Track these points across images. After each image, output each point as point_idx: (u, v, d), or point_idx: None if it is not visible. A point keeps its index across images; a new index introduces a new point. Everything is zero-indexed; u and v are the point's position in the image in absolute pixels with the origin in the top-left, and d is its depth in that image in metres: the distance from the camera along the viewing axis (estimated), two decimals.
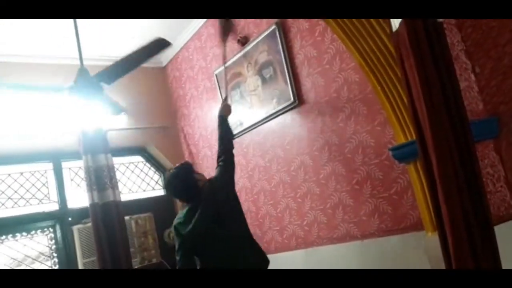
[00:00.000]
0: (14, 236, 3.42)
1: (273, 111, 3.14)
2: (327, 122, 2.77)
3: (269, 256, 2.42)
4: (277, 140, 3.20)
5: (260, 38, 3.18)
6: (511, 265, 1.58)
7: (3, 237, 3.38)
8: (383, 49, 2.04)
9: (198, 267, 2.34)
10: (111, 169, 3.38)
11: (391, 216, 2.44)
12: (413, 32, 1.64)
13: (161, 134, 4.34)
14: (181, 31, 4.06)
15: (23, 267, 3.38)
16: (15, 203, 3.52)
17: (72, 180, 3.83)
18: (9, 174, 3.57)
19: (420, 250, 2.08)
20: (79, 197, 3.72)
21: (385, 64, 2.05)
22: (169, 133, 4.40)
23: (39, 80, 3.72)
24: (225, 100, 2.79)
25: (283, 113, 3.09)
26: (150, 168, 4.39)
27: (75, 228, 3.51)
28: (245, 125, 3.45)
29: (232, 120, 3.52)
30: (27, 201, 3.57)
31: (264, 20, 3.17)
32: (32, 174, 3.67)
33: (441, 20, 1.68)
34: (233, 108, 3.48)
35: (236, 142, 3.56)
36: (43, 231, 3.57)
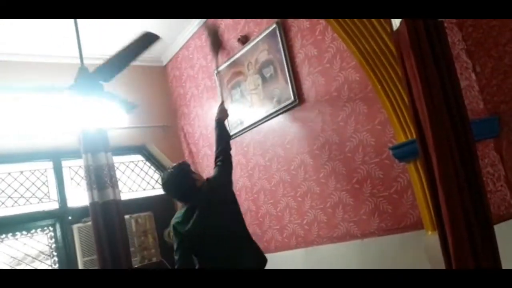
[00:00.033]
0: (14, 235, 3.42)
1: (274, 110, 3.14)
2: (328, 121, 2.77)
3: (269, 255, 2.42)
4: (277, 139, 3.20)
5: (260, 37, 3.18)
6: (510, 264, 1.58)
7: (3, 236, 3.38)
8: (384, 48, 2.03)
9: (196, 267, 2.34)
10: (111, 168, 3.39)
11: (391, 215, 2.44)
12: (414, 31, 1.64)
13: (161, 133, 4.34)
14: (181, 30, 4.06)
15: (23, 266, 3.38)
16: (15, 202, 3.52)
17: (72, 179, 3.83)
18: (9, 173, 3.57)
19: (420, 249, 2.08)
20: (79, 196, 3.72)
21: (385, 63, 2.05)
22: (169, 132, 4.40)
23: (40, 79, 3.72)
24: (221, 104, 2.87)
25: (283, 112, 3.09)
26: (150, 167, 4.39)
27: (75, 227, 3.51)
28: (245, 124, 3.45)
29: (232, 119, 3.55)
30: (27, 200, 3.57)
31: (265, 19, 3.17)
32: (32, 173, 3.67)
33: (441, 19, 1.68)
34: (233, 106, 3.53)
35: (236, 141, 3.58)
36: (43, 230, 3.57)
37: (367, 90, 2.48)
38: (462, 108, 1.61)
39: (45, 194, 3.67)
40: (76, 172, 3.85)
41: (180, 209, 2.45)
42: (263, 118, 3.26)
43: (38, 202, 3.61)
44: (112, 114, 3.98)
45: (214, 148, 2.66)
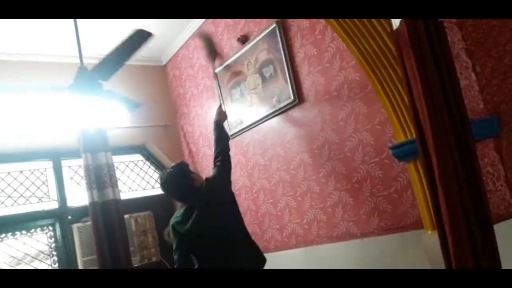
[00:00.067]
0: (13, 235, 3.42)
1: (273, 109, 3.14)
2: (327, 120, 2.77)
3: (269, 255, 2.43)
4: (277, 138, 3.20)
5: (260, 36, 3.18)
6: (510, 264, 1.58)
7: (3, 235, 3.38)
8: (384, 48, 2.03)
9: (195, 267, 2.34)
10: (110, 168, 3.39)
11: (391, 214, 2.44)
12: (414, 31, 1.64)
13: (161, 133, 4.34)
14: (181, 30, 4.06)
15: (22, 265, 3.38)
16: (15, 201, 3.51)
17: (72, 178, 3.83)
18: (9, 172, 3.57)
19: (420, 249, 2.08)
20: (79, 196, 3.72)
21: (385, 62, 2.05)
22: (169, 131, 4.40)
23: (39, 79, 3.71)
24: (219, 107, 2.90)
25: (283, 111, 3.09)
26: (150, 167, 4.39)
27: (74, 226, 3.51)
28: (245, 124, 3.45)
29: (232, 118, 3.55)
30: (27, 200, 3.57)
31: (264, 19, 3.17)
32: (32, 173, 3.67)
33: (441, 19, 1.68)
34: (233, 106, 3.53)
35: (236, 140, 3.58)
36: (42, 230, 3.57)
37: (367, 89, 2.48)
38: (462, 108, 1.62)
39: (45, 194, 3.67)
40: (76, 172, 3.85)
41: (179, 209, 2.45)
42: (263, 117, 3.26)
43: (38, 202, 3.61)
44: (111, 113, 3.98)
45: (213, 149, 2.67)
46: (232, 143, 3.53)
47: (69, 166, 3.85)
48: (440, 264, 1.61)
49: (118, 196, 3.35)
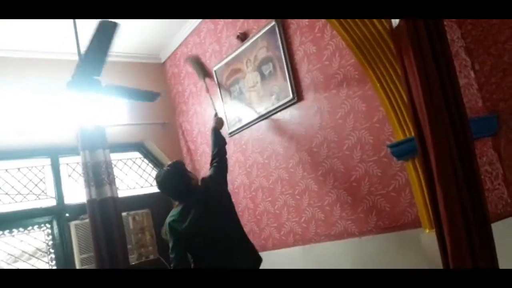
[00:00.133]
0: (11, 232, 3.41)
1: (272, 107, 3.14)
2: (326, 118, 2.77)
3: (267, 253, 2.43)
4: (276, 136, 3.20)
5: (259, 34, 3.17)
6: (508, 262, 1.58)
7: (0, 232, 3.37)
8: (383, 46, 2.03)
9: (191, 266, 2.34)
10: (108, 165, 3.38)
11: (389, 213, 2.44)
12: (413, 29, 1.64)
13: (159, 130, 4.33)
14: (180, 27, 4.05)
15: (20, 263, 3.37)
16: (12, 198, 3.50)
17: (69, 176, 3.82)
18: (7, 170, 3.55)
19: (418, 248, 2.08)
20: (76, 193, 3.71)
21: (384, 61, 2.05)
22: (167, 129, 4.39)
23: (39, 76, 3.70)
24: (216, 115, 3.13)
25: (282, 109, 3.09)
26: (148, 164, 4.37)
27: (72, 224, 3.50)
28: (244, 122, 3.44)
29: (231, 116, 3.55)
30: (24, 197, 3.56)
31: None
32: (30, 170, 3.66)
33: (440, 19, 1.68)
34: (232, 104, 3.52)
35: (235, 138, 3.58)
36: (40, 227, 3.56)
37: (366, 87, 2.48)
38: (461, 106, 1.61)
39: (43, 191, 3.66)
40: (73, 169, 3.84)
41: (175, 207, 2.45)
42: (262, 115, 3.25)
43: (35, 199, 3.59)
44: (110, 110, 3.97)
45: (210, 152, 2.76)
46: (230, 141, 3.53)
47: (67, 164, 3.83)
48: (438, 263, 1.61)
49: (116, 193, 3.35)
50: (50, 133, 3.69)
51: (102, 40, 2.20)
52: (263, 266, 2.40)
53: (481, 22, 2.08)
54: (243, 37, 3.35)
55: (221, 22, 3.62)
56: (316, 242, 2.90)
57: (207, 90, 3.69)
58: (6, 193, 3.49)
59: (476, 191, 1.56)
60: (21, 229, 3.46)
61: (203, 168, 4.01)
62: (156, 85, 4.47)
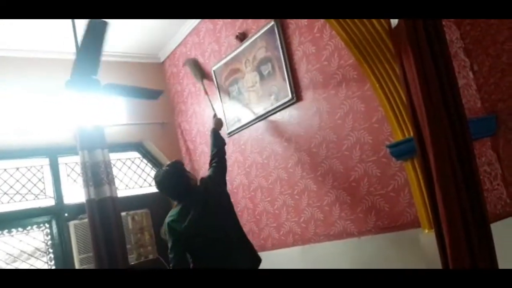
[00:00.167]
0: (10, 232, 3.40)
1: (271, 107, 3.14)
2: (325, 119, 2.77)
3: (266, 253, 2.43)
4: (275, 136, 3.20)
5: (258, 34, 3.17)
6: (507, 263, 1.58)
7: None
8: (382, 46, 2.03)
9: (190, 266, 2.34)
10: (107, 165, 3.38)
11: (388, 213, 2.44)
12: (412, 29, 1.64)
13: (158, 130, 4.33)
14: (179, 27, 4.04)
15: (18, 262, 3.37)
16: (11, 198, 3.50)
17: (68, 175, 3.81)
18: (5, 169, 3.55)
19: (417, 248, 2.08)
20: (75, 193, 3.70)
21: (383, 61, 2.05)
22: (166, 129, 4.39)
23: (39, 75, 3.69)
24: (215, 116, 3.16)
25: (281, 109, 3.09)
26: (147, 164, 4.37)
27: (71, 223, 3.50)
28: (243, 122, 3.44)
29: (230, 116, 3.55)
30: (23, 197, 3.55)
31: None
32: (28, 169, 3.65)
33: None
34: (231, 104, 3.52)
35: (234, 138, 3.58)
36: (39, 227, 3.55)
37: (365, 88, 2.48)
38: (459, 106, 1.61)
39: (41, 191, 3.65)
40: (72, 169, 3.83)
41: (175, 207, 2.45)
42: (261, 115, 3.25)
43: (34, 199, 3.59)
44: (108, 110, 3.97)
45: (209, 153, 2.76)
46: (229, 141, 3.53)
47: (66, 163, 3.83)
48: (437, 263, 1.61)
49: (115, 193, 3.34)
50: (49, 133, 3.69)
51: (94, 39, 2.21)
52: (262, 266, 2.40)
53: (480, 23, 2.09)
54: (242, 37, 3.34)
55: (220, 22, 3.62)
56: (315, 242, 2.91)
57: (206, 92, 3.69)
58: (5, 193, 3.48)
59: (475, 192, 1.56)
60: (20, 229, 3.46)
61: (202, 168, 4.01)
62: (155, 85, 4.45)
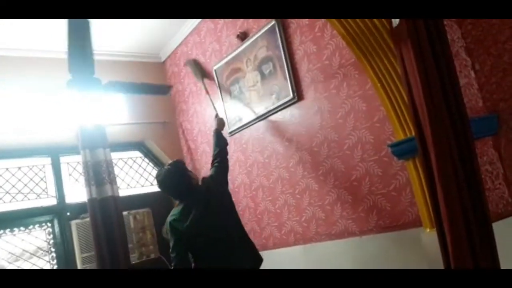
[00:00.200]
0: (12, 231, 3.41)
1: (273, 106, 3.14)
2: (326, 118, 2.77)
3: (268, 252, 2.43)
4: (276, 136, 3.20)
5: (259, 33, 3.17)
6: (508, 262, 1.59)
7: (1, 231, 3.37)
8: (383, 45, 2.03)
9: (191, 265, 2.35)
10: (109, 164, 3.38)
11: (390, 212, 2.44)
12: (414, 29, 1.64)
13: (159, 129, 4.33)
14: (180, 27, 4.04)
15: (21, 262, 3.38)
16: (13, 197, 3.50)
17: (70, 175, 3.82)
18: (7, 169, 3.56)
19: (418, 247, 2.08)
20: (77, 192, 3.71)
21: (385, 60, 2.05)
22: (167, 128, 4.39)
23: (39, 74, 3.70)
24: (216, 116, 3.15)
25: (282, 108, 3.09)
26: (148, 163, 4.38)
27: (73, 223, 3.51)
28: (244, 121, 3.44)
29: (231, 115, 3.55)
30: (25, 196, 3.56)
31: None
32: (30, 169, 3.66)
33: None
34: (232, 103, 3.52)
35: (235, 138, 3.58)
36: (41, 226, 3.56)
37: (366, 87, 2.48)
38: (461, 106, 1.61)
39: (43, 190, 3.66)
40: (74, 168, 3.84)
41: (176, 207, 2.45)
42: (262, 115, 3.25)
43: (36, 198, 3.60)
44: (110, 109, 3.97)
45: (212, 153, 2.77)
46: (231, 141, 3.53)
47: (68, 163, 3.83)
48: (439, 262, 1.61)
49: (116, 192, 3.34)
50: (50, 132, 3.69)
51: (78, 39, 2.21)
52: (264, 265, 2.41)
53: (481, 22, 2.08)
54: (243, 36, 3.34)
55: (221, 21, 3.62)
56: (317, 242, 2.91)
57: (207, 91, 3.69)
58: (7, 192, 3.49)
59: (477, 191, 1.56)
60: (22, 228, 3.47)
61: (203, 167, 4.01)
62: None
